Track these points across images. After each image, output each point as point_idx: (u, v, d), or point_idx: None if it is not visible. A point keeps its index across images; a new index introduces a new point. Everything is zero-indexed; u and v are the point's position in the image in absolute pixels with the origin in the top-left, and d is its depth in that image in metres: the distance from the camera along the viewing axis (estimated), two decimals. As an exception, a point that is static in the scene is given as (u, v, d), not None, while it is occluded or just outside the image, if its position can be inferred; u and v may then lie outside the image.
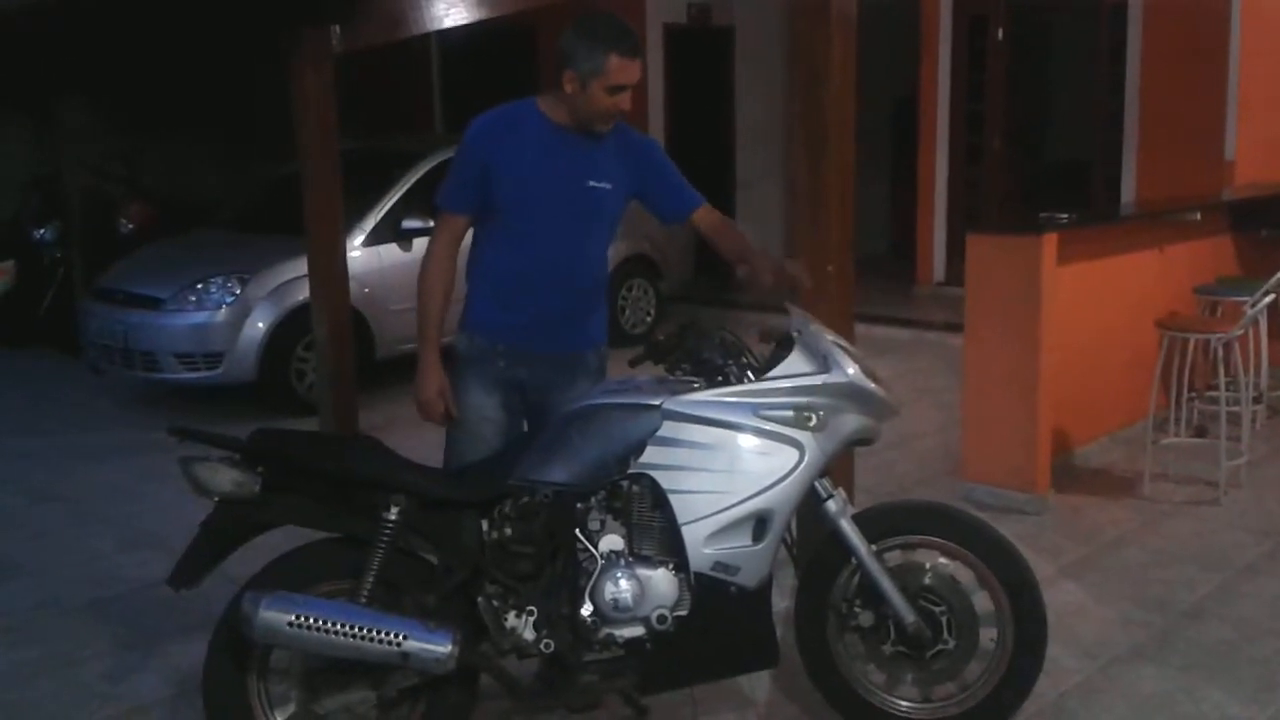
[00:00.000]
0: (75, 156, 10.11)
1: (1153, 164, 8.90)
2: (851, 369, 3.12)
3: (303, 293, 6.82)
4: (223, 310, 7.33)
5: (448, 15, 5.39)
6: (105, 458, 6.69)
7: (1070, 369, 5.55)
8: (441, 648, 2.94)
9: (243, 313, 7.33)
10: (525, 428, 3.58)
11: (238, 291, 7.37)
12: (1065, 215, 5.57)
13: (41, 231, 10.12)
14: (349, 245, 6.78)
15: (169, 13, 7.35)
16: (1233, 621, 4.19)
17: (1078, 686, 3.73)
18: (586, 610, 3.08)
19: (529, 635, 3.09)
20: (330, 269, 6.18)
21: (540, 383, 3.52)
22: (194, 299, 7.38)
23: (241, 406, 7.17)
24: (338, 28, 5.84)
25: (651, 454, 3.05)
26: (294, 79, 5.95)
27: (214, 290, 7.39)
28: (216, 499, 3.04)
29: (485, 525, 3.14)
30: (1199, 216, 6.35)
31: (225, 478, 3.02)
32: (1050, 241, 5.25)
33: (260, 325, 7.33)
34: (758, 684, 3.73)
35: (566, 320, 3.52)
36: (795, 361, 3.14)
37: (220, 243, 8.29)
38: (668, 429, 3.06)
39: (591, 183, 3.42)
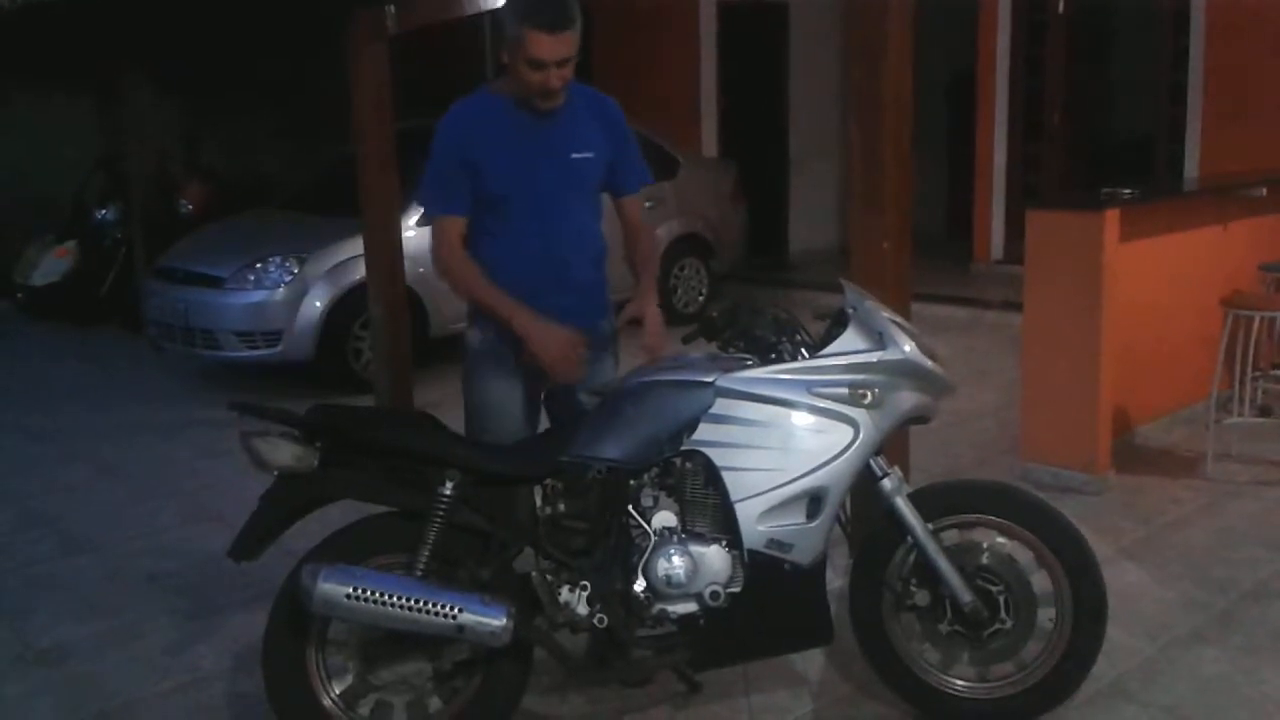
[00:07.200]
0: (139, 138, 10.27)
1: (1217, 139, 8.72)
2: (908, 345, 3.08)
3: (359, 272, 6.90)
4: (281, 289, 7.42)
5: (501, -7, 5.39)
6: (167, 433, 6.81)
7: (1131, 347, 5.46)
8: (497, 621, 2.96)
9: (300, 292, 7.42)
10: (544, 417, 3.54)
11: (296, 271, 7.46)
12: (1127, 191, 5.48)
13: (103, 212, 10.31)
14: (404, 225, 6.82)
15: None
16: (1297, 604, 4.12)
17: (1137, 667, 3.69)
18: (639, 586, 3.09)
19: (582, 610, 3.10)
20: (386, 248, 6.24)
21: None
22: (253, 278, 7.48)
23: (299, 384, 7.25)
24: (393, 7, 5.87)
25: (705, 431, 3.05)
26: (350, 59, 6.00)
27: (273, 269, 7.48)
28: (276, 473, 3.09)
29: (539, 500, 3.15)
30: (1264, 192, 6.21)
31: (285, 452, 3.05)
32: (1112, 218, 5.15)
33: (318, 304, 7.42)
34: (811, 662, 3.72)
35: (579, 296, 3.43)
36: (850, 338, 3.12)
37: (279, 222, 8.39)
38: (721, 406, 3.05)
39: (574, 155, 3.35)
